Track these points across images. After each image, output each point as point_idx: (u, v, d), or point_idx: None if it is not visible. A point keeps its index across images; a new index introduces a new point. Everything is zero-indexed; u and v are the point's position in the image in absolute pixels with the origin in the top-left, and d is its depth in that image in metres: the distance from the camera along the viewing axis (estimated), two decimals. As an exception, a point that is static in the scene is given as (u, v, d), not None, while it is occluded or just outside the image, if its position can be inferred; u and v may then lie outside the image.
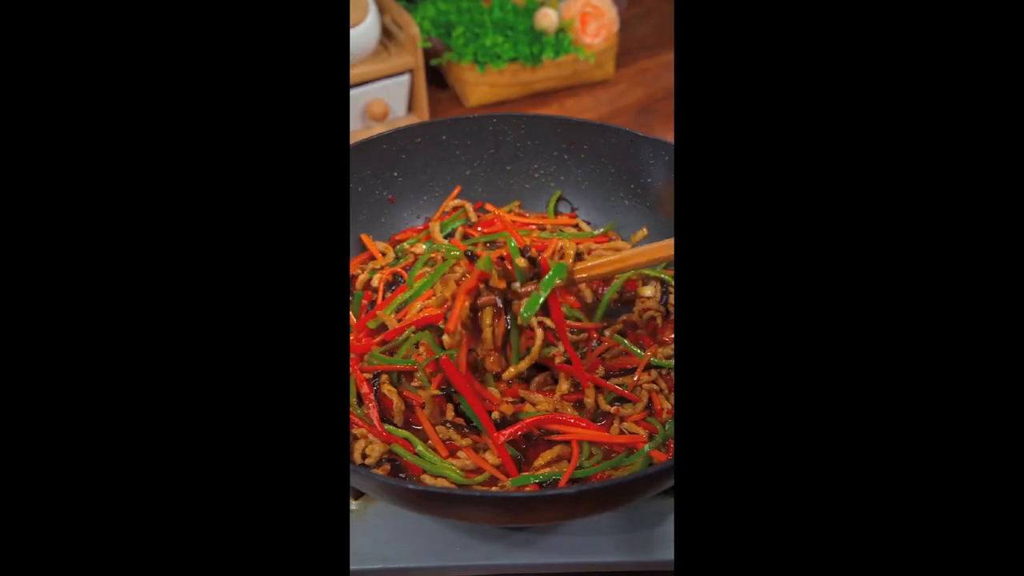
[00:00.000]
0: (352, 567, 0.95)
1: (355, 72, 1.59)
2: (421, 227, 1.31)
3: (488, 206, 1.32)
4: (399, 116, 1.71)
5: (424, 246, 1.25)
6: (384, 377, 1.05)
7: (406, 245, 1.26)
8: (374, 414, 1.01)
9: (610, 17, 1.81)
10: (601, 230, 1.29)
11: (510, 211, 1.32)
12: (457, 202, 1.31)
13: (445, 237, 1.26)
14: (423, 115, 1.72)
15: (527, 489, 0.93)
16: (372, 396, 1.02)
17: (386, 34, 1.69)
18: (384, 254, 1.26)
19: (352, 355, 1.09)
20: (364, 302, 1.19)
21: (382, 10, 1.67)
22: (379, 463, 0.98)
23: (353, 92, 1.61)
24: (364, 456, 0.98)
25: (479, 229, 1.29)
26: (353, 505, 1.00)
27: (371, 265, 1.24)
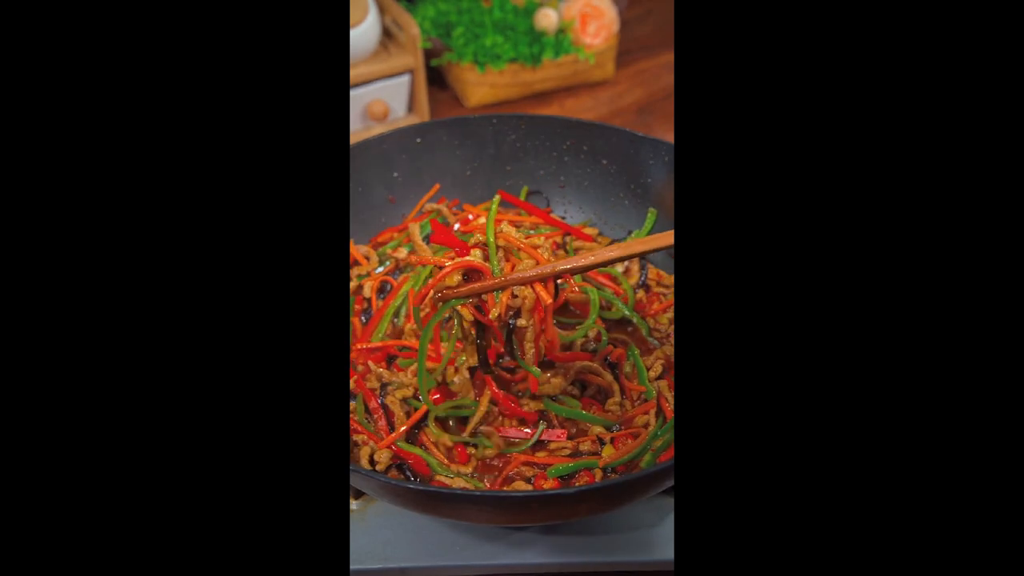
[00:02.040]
0: (352, 567, 0.95)
1: (355, 72, 1.59)
2: (399, 226, 1.31)
3: (466, 206, 1.32)
4: (399, 116, 1.71)
5: (405, 249, 1.26)
6: (390, 388, 1.06)
7: (388, 249, 1.27)
8: (382, 426, 1.02)
9: (610, 17, 1.81)
10: (606, 237, 1.29)
11: (485, 210, 1.32)
12: (431, 205, 1.31)
13: (424, 238, 1.27)
14: (423, 115, 1.72)
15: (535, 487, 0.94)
16: (379, 408, 1.04)
17: (386, 34, 1.69)
18: (368, 258, 1.26)
19: (359, 368, 1.10)
20: (356, 307, 1.19)
21: (382, 10, 1.67)
22: (388, 469, 0.98)
23: (353, 92, 1.61)
24: (373, 463, 0.99)
25: (456, 228, 1.29)
26: (353, 505, 1.00)
27: (357, 271, 1.24)
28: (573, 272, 0.90)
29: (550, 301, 0.89)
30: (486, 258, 0.93)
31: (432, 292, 0.94)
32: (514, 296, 0.92)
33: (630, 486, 0.82)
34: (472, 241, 0.94)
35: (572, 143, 1.30)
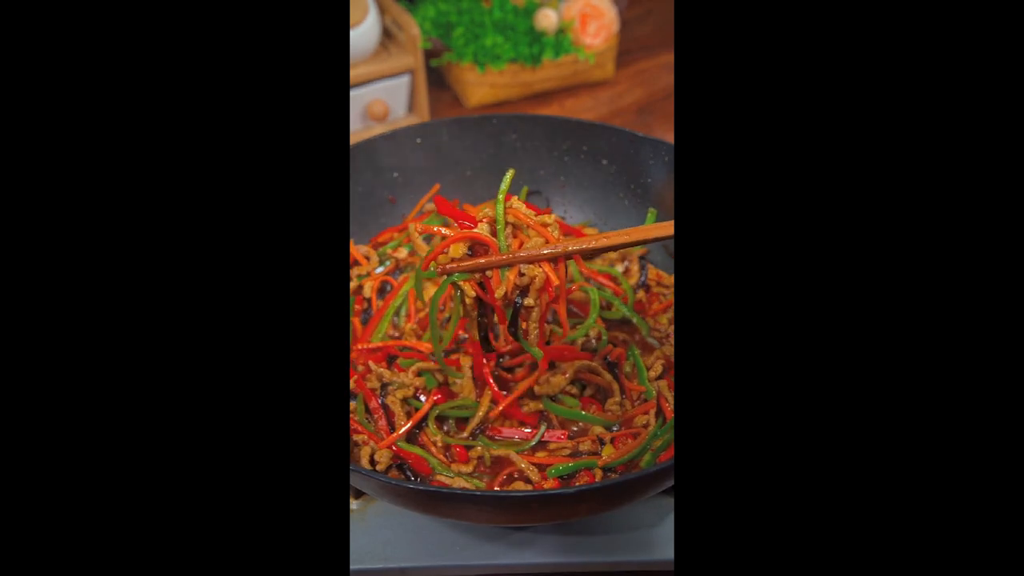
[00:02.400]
0: (352, 567, 0.95)
1: (355, 72, 1.59)
2: (399, 226, 1.31)
3: (466, 205, 1.32)
4: (399, 116, 1.71)
5: (405, 249, 1.26)
6: (390, 388, 1.06)
7: (388, 249, 1.27)
8: (383, 426, 1.02)
9: (610, 17, 1.81)
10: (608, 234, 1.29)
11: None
12: (431, 205, 1.31)
13: (424, 239, 1.26)
14: (423, 115, 1.71)
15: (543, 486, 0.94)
16: (380, 408, 1.04)
17: (386, 34, 1.69)
18: (368, 258, 1.26)
19: (359, 368, 1.10)
20: (356, 307, 1.19)
21: (382, 10, 1.67)
22: (388, 469, 0.98)
23: (353, 92, 1.61)
24: (373, 463, 0.99)
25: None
26: (353, 505, 1.00)
27: (357, 271, 1.24)
28: (583, 253, 0.88)
29: (558, 283, 0.87)
30: (493, 233, 0.90)
31: (435, 264, 0.90)
32: (521, 275, 0.89)
33: (630, 486, 0.82)
34: (480, 215, 0.91)
35: (572, 143, 1.30)
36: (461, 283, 0.90)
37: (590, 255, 0.89)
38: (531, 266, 0.88)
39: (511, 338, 0.95)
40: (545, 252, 0.87)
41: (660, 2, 2.22)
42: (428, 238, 1.27)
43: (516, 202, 0.90)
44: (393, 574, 0.96)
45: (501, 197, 0.89)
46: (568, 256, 0.87)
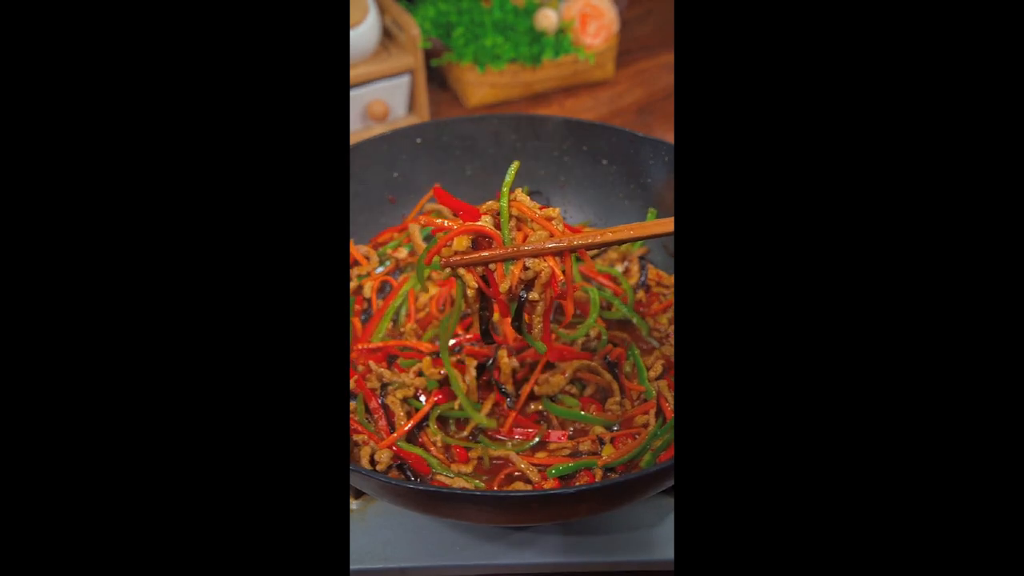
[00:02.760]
0: (352, 567, 0.95)
1: (355, 72, 1.59)
2: (399, 226, 1.31)
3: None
4: (399, 116, 1.71)
5: (405, 249, 1.26)
6: (390, 388, 1.06)
7: (388, 249, 1.27)
8: (383, 426, 1.02)
9: (610, 18, 1.81)
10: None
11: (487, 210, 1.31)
12: (431, 205, 1.31)
13: (424, 237, 1.26)
14: (423, 115, 1.71)
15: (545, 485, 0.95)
16: (380, 408, 1.04)
17: (386, 35, 1.69)
18: (368, 258, 1.26)
19: (360, 368, 1.10)
20: (356, 307, 1.19)
21: (382, 10, 1.67)
22: (388, 469, 0.98)
23: (353, 92, 1.61)
24: (374, 463, 0.99)
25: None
26: (353, 505, 1.00)
27: (357, 271, 1.24)
28: (589, 248, 0.87)
29: (562, 278, 0.86)
30: (497, 226, 0.88)
31: (439, 257, 0.89)
32: (526, 269, 0.87)
33: (630, 486, 0.82)
34: (483, 208, 0.89)
35: (572, 143, 1.29)
36: (463, 274, 0.89)
37: (595, 250, 0.89)
38: (536, 260, 0.87)
39: (512, 332, 0.94)
40: (550, 246, 0.87)
41: (660, 2, 2.22)
42: (427, 239, 1.27)
43: (520, 195, 0.89)
44: (393, 574, 0.96)
45: (505, 190, 0.88)
46: (573, 250, 0.87)
